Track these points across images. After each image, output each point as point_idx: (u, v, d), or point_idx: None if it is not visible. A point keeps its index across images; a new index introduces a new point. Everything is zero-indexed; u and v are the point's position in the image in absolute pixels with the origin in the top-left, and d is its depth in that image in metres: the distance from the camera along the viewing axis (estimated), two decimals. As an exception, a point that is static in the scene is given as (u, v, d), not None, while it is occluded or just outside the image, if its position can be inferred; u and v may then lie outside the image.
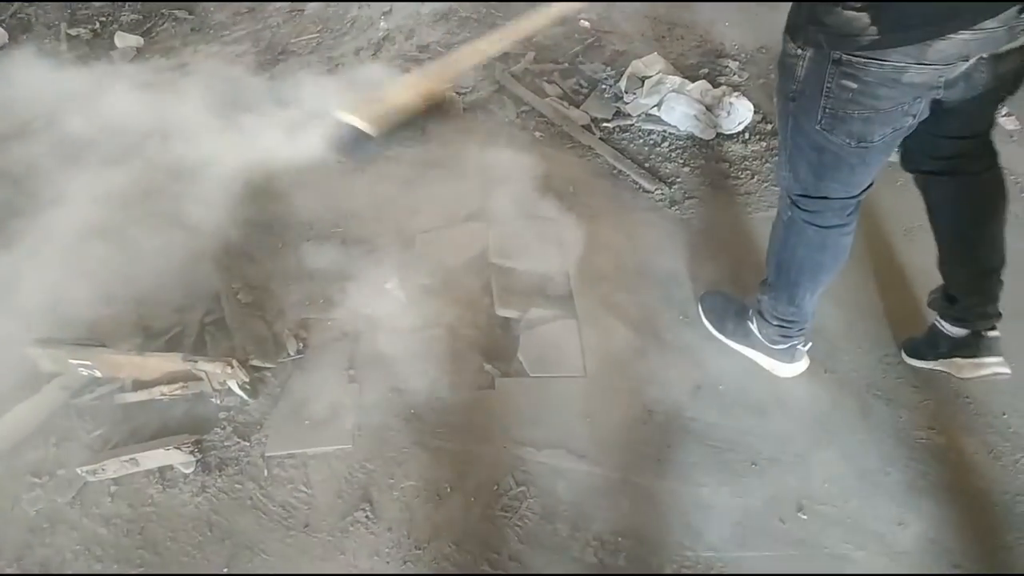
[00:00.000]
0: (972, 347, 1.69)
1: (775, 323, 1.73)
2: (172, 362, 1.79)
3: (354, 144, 1.52)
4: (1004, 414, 1.75)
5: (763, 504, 1.61)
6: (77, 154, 2.33)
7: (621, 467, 1.66)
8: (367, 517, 1.60)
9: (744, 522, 1.58)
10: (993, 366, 1.67)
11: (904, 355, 1.86)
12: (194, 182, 2.20)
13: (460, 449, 1.71)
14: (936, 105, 1.29)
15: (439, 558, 1.53)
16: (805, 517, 1.59)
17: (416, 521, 1.59)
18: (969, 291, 1.66)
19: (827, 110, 1.28)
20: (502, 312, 1.98)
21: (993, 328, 1.68)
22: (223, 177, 2.19)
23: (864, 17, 1.12)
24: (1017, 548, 1.54)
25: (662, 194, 2.37)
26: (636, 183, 2.41)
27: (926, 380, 1.83)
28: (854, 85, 1.21)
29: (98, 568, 1.55)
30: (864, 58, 1.17)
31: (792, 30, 1.27)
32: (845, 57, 1.19)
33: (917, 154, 1.56)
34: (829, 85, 1.24)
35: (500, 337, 1.95)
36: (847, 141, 1.30)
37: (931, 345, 1.79)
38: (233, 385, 1.79)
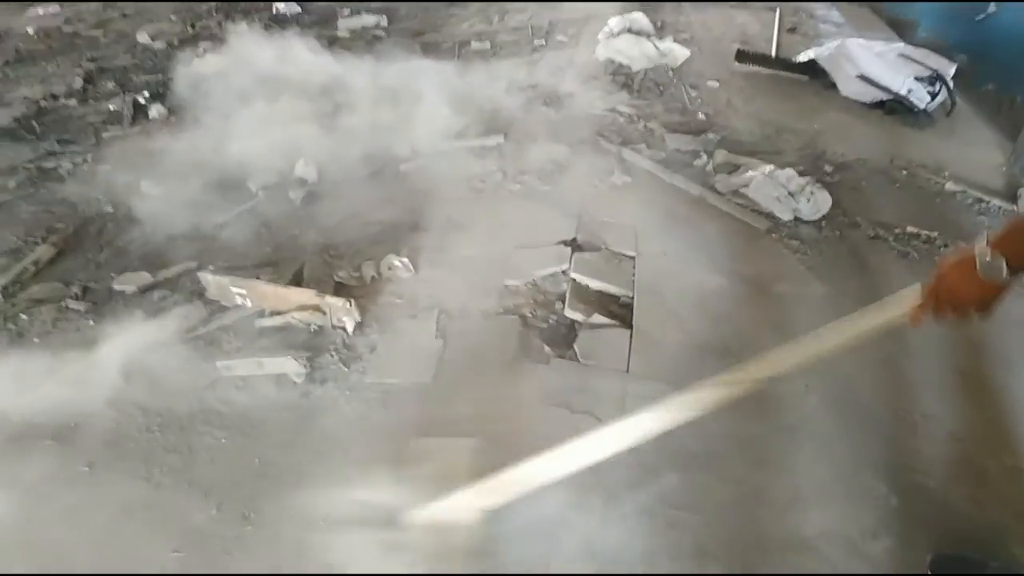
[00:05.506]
0: None
1: None
2: (306, 295, 2.29)
3: None
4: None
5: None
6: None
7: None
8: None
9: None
10: None
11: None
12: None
13: (506, 399, 2.06)
14: None
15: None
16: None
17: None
18: None
19: None
20: (569, 314, 2.36)
21: None
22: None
23: None
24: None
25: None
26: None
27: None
28: None
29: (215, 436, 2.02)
30: None
31: None
32: None
33: None
34: None
35: (563, 332, 2.31)
36: None
37: None
38: (347, 321, 2.26)
